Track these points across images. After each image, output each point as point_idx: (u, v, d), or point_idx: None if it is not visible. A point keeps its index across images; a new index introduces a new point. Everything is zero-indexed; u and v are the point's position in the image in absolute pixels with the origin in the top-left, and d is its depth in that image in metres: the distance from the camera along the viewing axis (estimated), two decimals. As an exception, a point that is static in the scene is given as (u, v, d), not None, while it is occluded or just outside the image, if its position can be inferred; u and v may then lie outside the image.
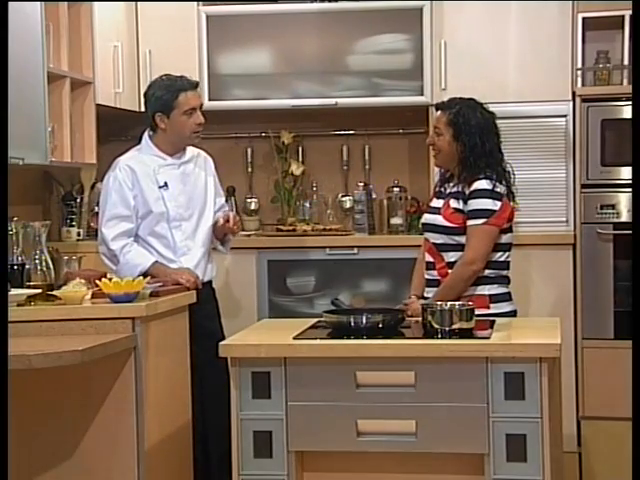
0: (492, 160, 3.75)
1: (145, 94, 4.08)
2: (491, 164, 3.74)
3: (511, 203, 3.76)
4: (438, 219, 3.77)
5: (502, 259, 3.77)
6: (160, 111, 3.99)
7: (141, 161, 4.03)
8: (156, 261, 3.93)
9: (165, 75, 4.06)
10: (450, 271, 3.73)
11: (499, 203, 3.68)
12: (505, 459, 3.02)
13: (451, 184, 3.81)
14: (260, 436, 3.13)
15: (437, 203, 3.83)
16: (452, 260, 3.74)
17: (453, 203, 3.74)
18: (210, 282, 4.16)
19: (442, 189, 3.85)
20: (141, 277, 3.48)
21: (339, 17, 4.97)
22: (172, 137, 4.03)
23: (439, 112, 3.84)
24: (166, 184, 4.02)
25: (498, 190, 3.70)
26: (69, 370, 3.14)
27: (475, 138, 3.73)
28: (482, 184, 3.70)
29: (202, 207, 4.11)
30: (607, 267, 4.68)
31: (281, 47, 5.02)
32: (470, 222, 3.69)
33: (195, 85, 4.04)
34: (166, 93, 3.97)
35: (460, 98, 3.89)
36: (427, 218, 3.86)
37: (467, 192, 3.72)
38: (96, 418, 3.33)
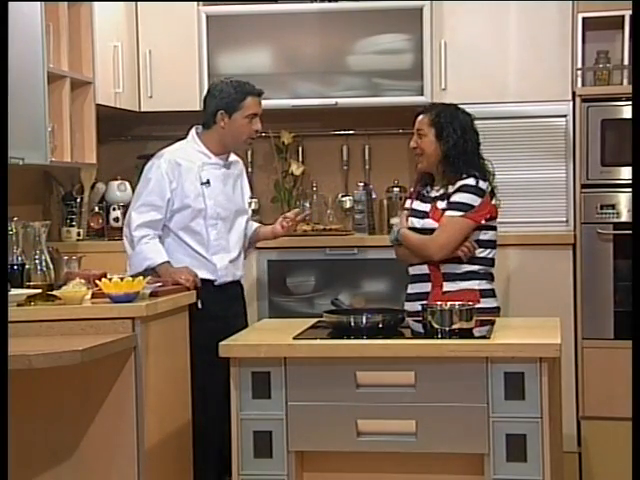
0: (472, 158, 3.84)
1: (209, 91, 4.12)
2: (470, 162, 3.83)
3: (494, 200, 3.86)
4: (428, 222, 3.85)
5: (490, 256, 3.89)
6: (224, 109, 4.02)
7: (187, 155, 4.07)
8: (167, 261, 3.94)
9: (232, 78, 4.09)
10: (441, 266, 3.82)
11: (479, 200, 3.78)
12: (505, 459, 3.02)
13: (436, 187, 3.90)
14: (260, 436, 3.13)
15: (424, 207, 3.90)
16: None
17: (440, 205, 3.84)
18: (239, 281, 4.19)
19: (425, 192, 3.93)
20: (141, 277, 3.48)
21: (339, 17, 4.97)
22: (227, 138, 4.07)
23: (421, 116, 3.93)
24: (208, 182, 4.05)
25: (481, 187, 3.80)
26: (69, 370, 3.14)
27: (456, 137, 3.83)
28: (468, 181, 3.80)
29: (238, 209, 4.16)
30: (607, 267, 4.67)
31: (281, 47, 5.02)
32: (447, 213, 3.78)
33: (261, 93, 4.08)
34: (235, 93, 4.01)
35: (440, 103, 4.09)
36: (413, 222, 3.92)
37: (452, 190, 3.81)
38: (96, 418, 3.33)
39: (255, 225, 4.37)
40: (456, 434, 3.05)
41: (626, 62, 4.81)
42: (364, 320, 3.26)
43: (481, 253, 3.84)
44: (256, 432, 3.14)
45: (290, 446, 3.12)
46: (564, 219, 4.79)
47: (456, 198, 3.79)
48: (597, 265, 4.69)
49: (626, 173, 4.61)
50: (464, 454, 3.07)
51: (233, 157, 4.22)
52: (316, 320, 3.52)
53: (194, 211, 4.02)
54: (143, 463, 3.32)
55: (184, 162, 4.04)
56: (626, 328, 4.33)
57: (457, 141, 3.82)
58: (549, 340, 3.09)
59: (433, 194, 3.89)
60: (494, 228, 3.90)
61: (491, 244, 3.88)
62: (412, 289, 3.91)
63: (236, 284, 4.16)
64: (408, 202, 4.01)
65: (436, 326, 3.19)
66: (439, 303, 3.33)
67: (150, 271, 3.86)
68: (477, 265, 3.83)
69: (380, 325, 3.26)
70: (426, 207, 3.89)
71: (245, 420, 3.15)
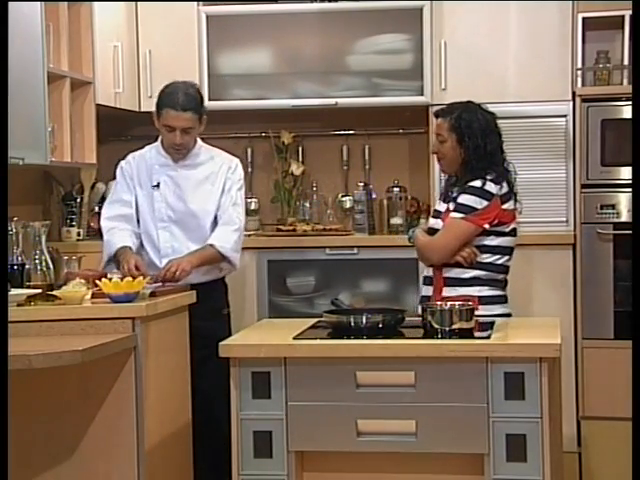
0: (494, 160, 3.76)
1: None
2: (492, 165, 3.75)
3: (508, 204, 3.74)
4: (438, 223, 3.81)
5: (499, 262, 3.76)
6: (155, 110, 4.05)
7: (145, 157, 4.13)
8: (127, 247, 3.95)
9: (185, 84, 4.03)
10: (443, 270, 3.75)
11: (485, 202, 3.68)
12: (505, 459, 3.02)
13: (455, 188, 3.81)
14: (260, 436, 3.13)
15: (441, 207, 3.85)
16: None
17: (451, 206, 3.76)
18: (208, 283, 4.07)
19: (449, 193, 3.85)
20: (141, 277, 3.49)
21: (339, 17, 4.97)
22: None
23: (439, 119, 3.84)
24: (158, 184, 4.08)
25: (488, 189, 3.70)
26: (69, 370, 3.14)
27: (478, 140, 3.74)
28: (475, 183, 3.71)
29: (198, 211, 4.09)
30: (607, 267, 4.67)
31: (281, 47, 5.01)
32: (451, 215, 3.72)
33: (183, 108, 3.95)
34: (161, 99, 4.01)
35: (459, 102, 3.90)
36: (431, 222, 3.89)
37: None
38: (96, 418, 3.33)
39: (207, 244, 4.05)
40: (456, 434, 3.05)
41: (626, 62, 4.80)
42: (364, 320, 3.25)
43: (487, 259, 3.72)
44: (256, 432, 3.14)
45: (290, 446, 3.12)
46: (564, 219, 4.79)
47: (460, 200, 3.70)
48: (597, 265, 4.69)
49: (626, 173, 4.61)
50: (464, 454, 3.07)
51: (205, 156, 4.14)
52: (316, 320, 3.52)
53: (145, 213, 4.07)
54: (143, 463, 3.32)
55: (140, 163, 4.12)
56: (626, 328, 4.33)
57: (478, 144, 3.73)
58: (549, 340, 3.09)
59: (453, 194, 3.80)
60: (505, 234, 3.75)
61: (502, 250, 3.75)
62: (422, 292, 3.88)
63: (202, 286, 3.95)
64: (437, 203, 3.96)
65: (436, 326, 3.19)
66: (439, 303, 3.32)
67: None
68: (480, 271, 3.71)
69: (380, 325, 3.26)
70: (443, 207, 3.82)
71: (245, 420, 3.15)
